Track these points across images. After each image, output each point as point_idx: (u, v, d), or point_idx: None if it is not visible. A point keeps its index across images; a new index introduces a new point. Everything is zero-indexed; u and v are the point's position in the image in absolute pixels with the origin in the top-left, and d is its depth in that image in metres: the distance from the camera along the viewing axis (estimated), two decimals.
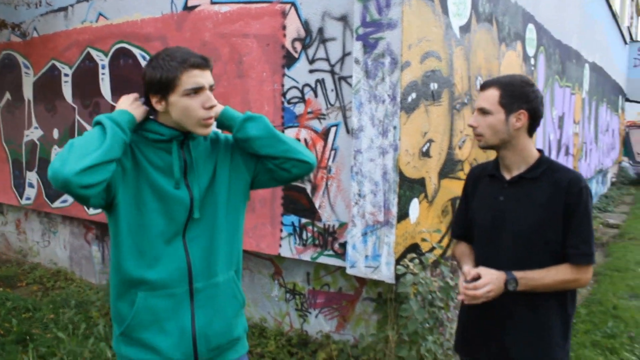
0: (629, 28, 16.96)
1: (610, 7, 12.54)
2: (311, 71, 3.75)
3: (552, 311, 2.05)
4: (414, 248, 3.60)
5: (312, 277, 4.18)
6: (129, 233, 1.74)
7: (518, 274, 1.96)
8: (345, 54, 3.59)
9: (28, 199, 6.53)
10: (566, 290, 2.05)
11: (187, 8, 4.41)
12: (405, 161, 3.40)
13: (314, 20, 3.70)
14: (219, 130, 1.95)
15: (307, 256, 3.91)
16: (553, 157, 7.70)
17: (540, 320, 2.05)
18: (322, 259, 3.85)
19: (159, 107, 1.73)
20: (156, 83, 1.69)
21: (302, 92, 3.80)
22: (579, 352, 4.20)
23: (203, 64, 1.72)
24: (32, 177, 6.43)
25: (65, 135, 5.85)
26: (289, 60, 3.83)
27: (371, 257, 3.46)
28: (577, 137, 9.26)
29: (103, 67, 5.30)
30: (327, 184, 3.73)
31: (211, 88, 1.76)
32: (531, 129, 2.06)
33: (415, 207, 3.57)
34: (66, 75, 5.75)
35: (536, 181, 2.04)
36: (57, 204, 6.08)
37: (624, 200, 13.35)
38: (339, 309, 4.08)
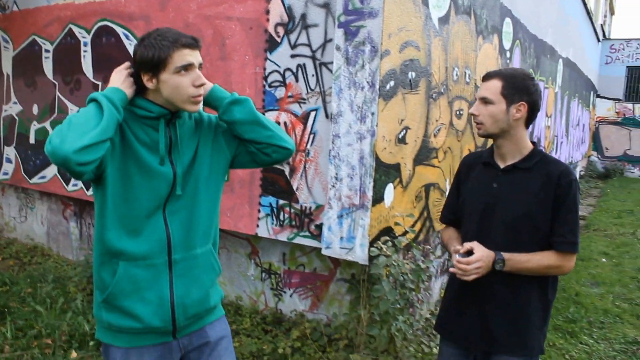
0: (602, 26, 17.27)
1: (585, 4, 12.77)
2: (293, 56, 3.82)
3: (533, 295, 2.14)
4: (387, 231, 3.72)
5: (287, 258, 4.29)
6: (113, 205, 1.81)
7: (506, 255, 2.07)
8: (327, 41, 3.67)
9: (5, 174, 6.51)
10: (548, 276, 2.15)
11: None
12: (382, 147, 3.51)
13: (297, 6, 3.77)
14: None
15: (283, 237, 4.01)
16: None
17: (521, 303, 2.14)
18: (298, 240, 3.95)
19: (150, 85, 1.79)
20: (148, 61, 1.74)
21: (283, 76, 3.88)
22: None
23: (193, 44, 1.79)
24: (10, 152, 6.40)
25: (45, 111, 5.84)
26: (272, 44, 3.90)
27: (346, 239, 3.58)
28: (548, 130, 9.47)
29: (85, 45, 5.30)
30: (305, 167, 3.83)
31: (200, 67, 1.83)
32: (528, 121, 2.16)
33: (390, 192, 3.69)
34: (47, 51, 5.73)
35: (529, 171, 2.13)
36: (35, 179, 6.07)
37: (591, 193, 13.69)
38: (313, 289, 4.19)
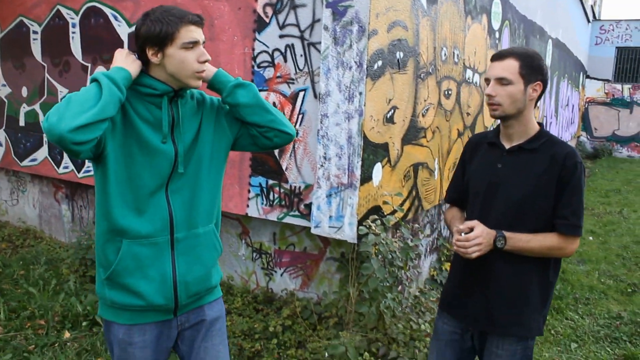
0: (592, 7, 17.23)
1: None
2: (281, 36, 3.83)
3: (534, 277, 2.14)
4: (376, 210, 3.77)
5: (278, 237, 4.33)
6: (116, 184, 1.82)
7: (507, 233, 2.06)
8: (315, 21, 3.68)
9: None
10: (550, 258, 2.15)
11: None
12: (370, 126, 3.54)
13: None
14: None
15: (273, 216, 4.05)
16: None
17: (521, 284, 2.14)
18: (288, 219, 3.99)
19: (155, 59, 1.80)
20: (155, 36, 1.76)
21: (272, 56, 3.89)
22: None
23: (198, 21, 1.83)
24: (0, 135, 6.38)
25: (35, 94, 5.81)
26: (260, 24, 3.90)
27: (335, 218, 3.63)
28: (537, 111, 9.52)
29: (73, 26, 5.27)
30: (294, 147, 3.86)
31: (203, 44, 1.87)
32: (537, 101, 2.17)
33: (378, 171, 3.73)
34: (35, 32, 5.69)
35: (534, 152, 2.12)
36: (26, 162, 6.07)
37: None
38: (303, 268, 4.25)
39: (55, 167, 5.71)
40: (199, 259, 1.99)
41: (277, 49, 3.86)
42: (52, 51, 5.55)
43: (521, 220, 2.11)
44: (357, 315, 3.65)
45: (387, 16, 3.56)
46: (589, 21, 16.75)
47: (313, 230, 3.75)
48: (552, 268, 2.18)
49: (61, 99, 1.68)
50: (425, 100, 4.35)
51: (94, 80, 1.70)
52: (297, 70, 3.81)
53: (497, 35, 6.18)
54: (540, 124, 2.21)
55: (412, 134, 4.21)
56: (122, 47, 4.87)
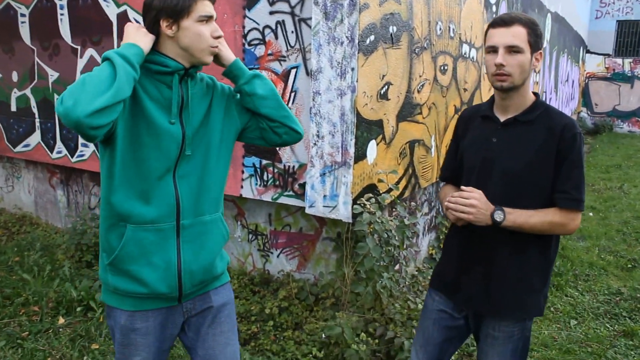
0: None
1: None
2: (272, 12, 3.74)
3: (534, 255, 2.06)
4: (371, 188, 3.71)
5: (273, 218, 4.28)
6: (122, 166, 1.76)
7: (507, 209, 1.97)
8: None
9: None
10: (551, 236, 2.06)
11: None
12: (363, 103, 3.46)
13: None
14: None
15: (267, 197, 3.99)
16: None
17: (522, 264, 2.05)
18: (283, 200, 3.94)
19: (169, 31, 1.75)
20: (172, 7, 1.72)
21: (262, 33, 3.80)
22: None
23: None
24: None
25: (25, 78, 5.73)
26: (250, 1, 3.80)
27: (329, 197, 3.57)
28: (536, 86, 9.41)
29: (61, 8, 5.17)
30: None
31: (215, 20, 1.83)
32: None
33: (372, 149, 3.66)
34: (23, 15, 5.59)
35: (531, 124, 2.02)
36: (19, 148, 6.00)
37: None
38: (299, 249, 4.20)
39: (49, 152, 5.65)
40: (205, 247, 1.93)
41: (268, 26, 3.77)
42: (41, 34, 5.45)
43: (519, 196, 2.01)
44: (354, 295, 3.61)
45: None
46: None
47: (307, 210, 3.69)
48: (553, 247, 2.10)
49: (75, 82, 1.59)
50: (420, 76, 4.26)
51: (106, 59, 1.63)
52: (289, 47, 3.72)
53: (494, 9, 6.06)
54: (536, 94, 2.11)
55: (408, 111, 4.14)
56: (111, 28, 4.78)
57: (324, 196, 3.58)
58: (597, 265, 5.22)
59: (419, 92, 4.29)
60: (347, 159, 3.46)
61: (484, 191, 2.02)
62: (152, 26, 1.77)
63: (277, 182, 3.92)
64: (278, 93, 1.99)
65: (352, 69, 3.33)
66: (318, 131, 3.52)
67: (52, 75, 5.42)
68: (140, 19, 4.48)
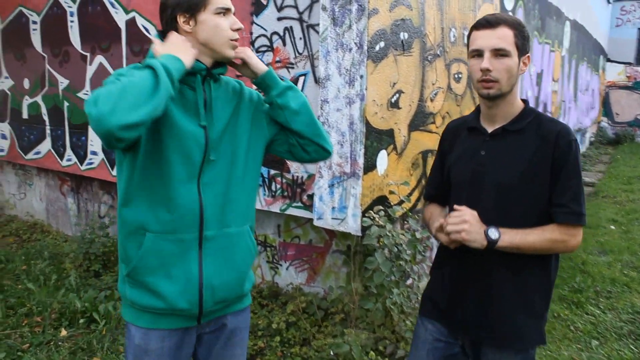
0: None
1: None
2: (279, 19, 3.64)
3: (534, 279, 1.88)
4: (382, 200, 3.58)
5: (282, 229, 4.17)
6: (143, 170, 1.66)
7: (502, 228, 1.78)
8: (314, 1, 3.48)
9: (1, 150, 6.43)
10: (551, 256, 1.89)
11: None
12: (373, 111, 3.34)
13: None
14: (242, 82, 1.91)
15: (276, 208, 3.88)
16: None
17: (521, 288, 1.87)
18: (291, 211, 3.83)
19: (186, 27, 1.68)
20: (186, 1, 1.66)
21: (270, 40, 3.71)
22: None
23: None
24: (4, 128, 6.31)
25: (36, 85, 5.71)
26: (258, 7, 3.72)
27: (338, 209, 3.45)
28: (555, 95, 9.21)
29: (71, 15, 5.14)
30: None
31: (234, 14, 1.74)
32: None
33: (383, 159, 3.53)
34: (34, 22, 5.58)
35: (521, 133, 1.85)
36: (30, 155, 5.99)
37: (601, 160, 13.39)
38: (309, 262, 4.09)
39: (59, 160, 5.62)
40: (230, 261, 1.80)
41: (276, 32, 3.68)
42: (52, 41, 5.44)
43: (513, 212, 1.83)
44: (364, 311, 3.48)
45: None
46: (609, 2, 16.25)
47: (316, 222, 3.58)
48: (554, 267, 1.91)
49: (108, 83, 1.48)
50: (433, 84, 4.13)
51: (150, 67, 1.52)
52: (297, 54, 3.62)
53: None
54: (524, 100, 1.93)
55: (420, 120, 4.00)
56: (120, 35, 4.73)
57: (333, 208, 3.46)
58: (620, 281, 5.00)
59: (432, 100, 4.15)
60: (356, 170, 3.34)
61: (475, 208, 1.84)
62: (169, 24, 1.71)
63: (286, 193, 3.81)
64: (311, 107, 1.86)
65: (361, 77, 3.22)
66: None
67: (62, 82, 5.39)
68: (148, 26, 4.44)
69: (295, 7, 3.56)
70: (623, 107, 16.85)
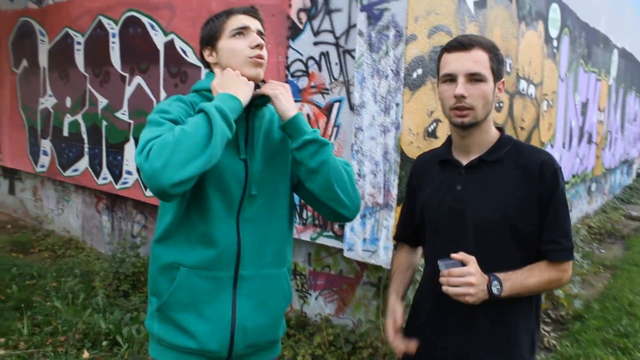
0: None
1: None
2: (316, 43, 3.58)
3: (521, 319, 1.72)
4: None
5: (313, 258, 4.07)
6: (180, 204, 1.60)
7: (500, 275, 1.60)
8: (351, 26, 3.41)
9: (42, 166, 6.56)
10: (537, 294, 1.75)
11: None
12: (408, 141, 3.22)
13: None
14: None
15: (306, 236, 3.78)
16: (574, 144, 7.40)
17: (507, 332, 1.71)
18: (321, 240, 3.72)
19: (211, 59, 1.69)
20: (207, 34, 1.68)
21: (306, 65, 3.65)
22: (588, 350, 4.00)
23: (250, 10, 1.69)
24: (46, 144, 6.44)
25: (77, 104, 5.81)
26: (294, 31, 3.67)
27: (369, 241, 3.32)
28: (601, 125, 8.88)
29: (113, 36, 5.22)
30: None
31: (260, 34, 1.68)
32: None
33: None
34: (79, 43, 5.70)
35: (500, 164, 1.69)
36: (68, 172, 6.07)
37: None
38: (339, 292, 3.96)
39: (95, 178, 5.66)
40: (264, 304, 1.70)
41: (312, 57, 3.61)
42: (94, 61, 5.53)
43: (497, 249, 1.66)
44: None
45: (427, 20, 3.24)
46: None
47: (346, 254, 3.46)
48: (536, 306, 1.76)
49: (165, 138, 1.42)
50: None
51: (203, 111, 1.46)
52: (332, 80, 3.54)
53: (554, 43, 5.72)
54: (499, 128, 1.76)
55: None
56: (158, 56, 4.76)
57: (364, 239, 3.34)
58: None
59: None
60: (389, 201, 3.21)
61: (454, 249, 1.62)
62: (203, 62, 1.73)
63: (317, 222, 3.71)
64: (337, 167, 1.65)
65: (397, 104, 3.11)
66: (359, 169, 3.30)
67: (102, 102, 5.46)
68: (186, 48, 4.45)
69: (332, 31, 3.50)
70: None
